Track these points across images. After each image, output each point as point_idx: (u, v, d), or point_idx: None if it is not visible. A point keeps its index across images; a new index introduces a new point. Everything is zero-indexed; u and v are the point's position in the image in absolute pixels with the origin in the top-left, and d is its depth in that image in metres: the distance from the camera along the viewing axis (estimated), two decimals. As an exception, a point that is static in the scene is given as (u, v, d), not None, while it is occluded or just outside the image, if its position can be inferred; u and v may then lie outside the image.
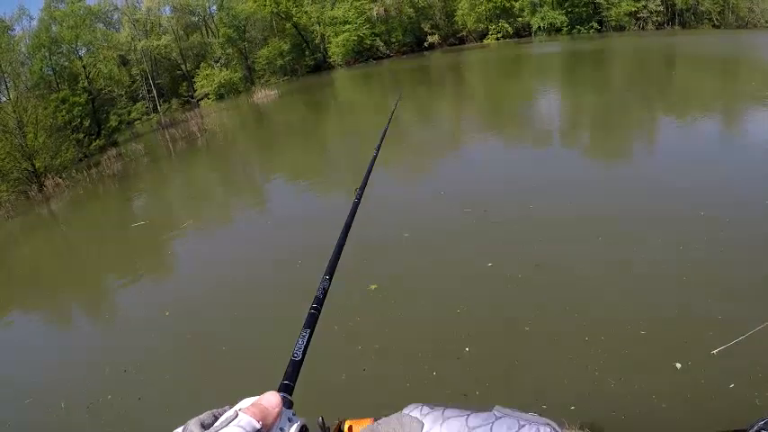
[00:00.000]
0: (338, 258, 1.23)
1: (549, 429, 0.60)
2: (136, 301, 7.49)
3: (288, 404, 0.78)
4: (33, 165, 21.05)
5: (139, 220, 11.97)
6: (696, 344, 3.90)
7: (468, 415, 0.67)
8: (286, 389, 0.83)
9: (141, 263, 9.13)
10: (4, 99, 24.50)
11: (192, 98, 43.28)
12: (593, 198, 7.29)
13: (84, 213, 15.88)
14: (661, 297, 4.60)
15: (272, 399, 0.69)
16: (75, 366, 5.93)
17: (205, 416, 0.69)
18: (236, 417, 0.65)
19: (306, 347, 0.91)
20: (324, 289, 1.09)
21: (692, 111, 11.94)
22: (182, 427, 0.65)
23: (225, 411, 0.70)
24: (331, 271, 1.16)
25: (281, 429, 0.71)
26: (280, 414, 0.70)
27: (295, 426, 0.75)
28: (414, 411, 0.73)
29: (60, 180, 20.50)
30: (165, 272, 8.62)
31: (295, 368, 0.87)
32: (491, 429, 0.61)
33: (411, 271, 6.06)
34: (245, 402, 0.71)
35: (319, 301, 1.06)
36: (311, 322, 0.99)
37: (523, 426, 0.61)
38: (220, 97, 41.22)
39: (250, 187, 13.25)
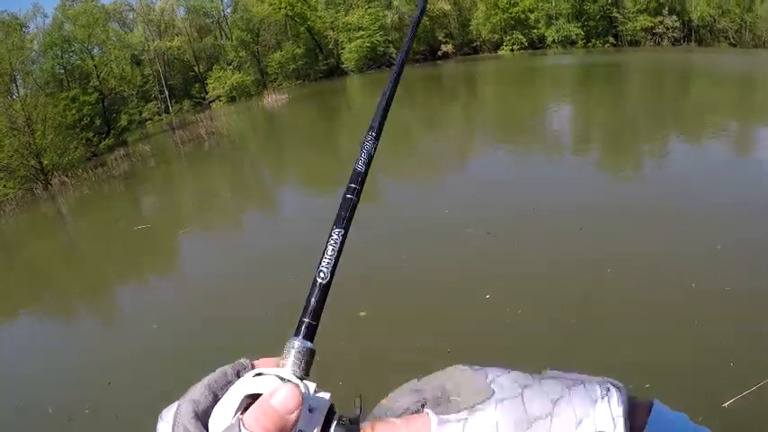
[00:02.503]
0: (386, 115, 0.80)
1: (608, 385, 0.51)
2: (129, 311, 7.43)
3: (305, 367, 0.54)
4: (41, 162, 21.06)
5: (142, 223, 11.83)
6: (706, 395, 3.62)
7: (532, 374, 0.54)
8: (308, 332, 0.57)
9: (140, 270, 9.01)
10: (16, 96, 24.51)
11: (204, 100, 43.33)
12: (604, 225, 6.94)
13: (88, 214, 15.86)
14: (669, 342, 4.30)
15: (288, 400, 0.48)
16: (66, 373, 5.88)
17: (200, 393, 0.52)
18: None
19: (337, 261, 0.61)
20: (368, 155, 0.72)
21: (707, 132, 11.63)
22: (173, 411, 0.51)
23: (229, 381, 0.54)
24: (378, 129, 0.76)
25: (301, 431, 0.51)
26: (299, 416, 0.49)
27: (319, 419, 0.52)
28: (462, 367, 0.55)
29: (66, 179, 20.49)
30: (161, 281, 8.48)
31: (320, 296, 0.59)
32: (557, 379, 0.53)
33: (404, 299, 5.77)
34: (255, 385, 0.51)
35: (359, 178, 0.69)
36: (347, 216, 0.65)
37: (585, 382, 0.52)
38: (232, 99, 41.24)
39: (253, 193, 13.10)
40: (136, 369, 5.50)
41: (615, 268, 5.61)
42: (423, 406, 0.54)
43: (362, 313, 5.51)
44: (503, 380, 0.52)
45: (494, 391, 0.51)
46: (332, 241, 0.62)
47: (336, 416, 0.54)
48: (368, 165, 0.71)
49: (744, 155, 9.88)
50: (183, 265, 8.99)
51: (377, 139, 0.74)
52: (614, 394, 0.50)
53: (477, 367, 0.55)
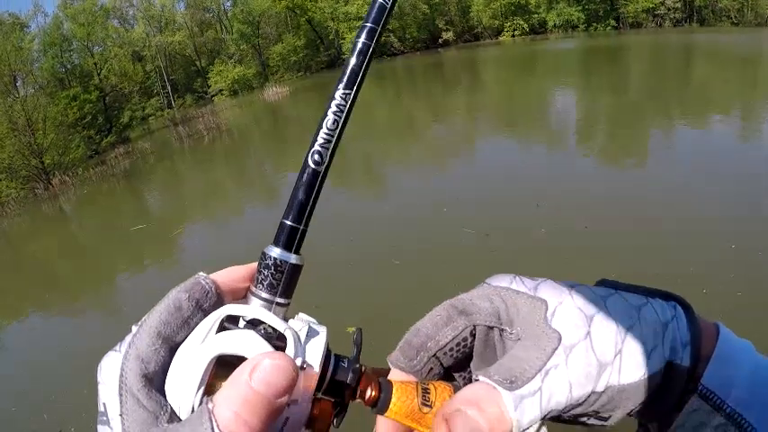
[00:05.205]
0: None
1: (674, 304, 0.46)
2: (119, 318, 7.33)
3: (285, 289, 0.41)
4: (42, 162, 21.10)
5: (138, 224, 11.80)
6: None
7: (594, 293, 0.45)
8: (291, 240, 0.42)
9: (134, 273, 8.98)
10: (17, 96, 24.59)
11: (207, 94, 43.27)
12: (609, 224, 6.54)
13: (86, 214, 15.93)
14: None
15: (279, 379, 0.34)
16: (61, 380, 5.82)
17: (148, 346, 0.37)
18: None
19: (339, 138, 0.43)
20: None
21: (714, 117, 11.39)
22: (113, 367, 0.36)
23: (186, 320, 0.39)
24: None
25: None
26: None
27: (313, 376, 0.39)
28: (514, 284, 0.45)
29: (67, 178, 20.53)
30: (152, 283, 8.40)
31: (312, 187, 0.43)
32: (624, 298, 0.44)
33: (395, 311, 5.39)
34: (225, 344, 0.37)
35: (382, 15, 0.46)
36: (360, 72, 0.45)
37: (651, 301, 0.45)
38: (234, 93, 41.15)
39: (252, 189, 13.04)
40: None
41: (621, 274, 5.32)
42: (471, 334, 0.45)
43: (350, 329, 5.33)
44: (566, 312, 0.42)
45: (560, 337, 0.41)
46: (334, 107, 0.43)
47: (333, 360, 0.43)
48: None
49: (757, 140, 9.54)
50: (174, 267, 8.93)
51: None
52: (683, 316, 0.44)
53: (530, 282, 0.45)
